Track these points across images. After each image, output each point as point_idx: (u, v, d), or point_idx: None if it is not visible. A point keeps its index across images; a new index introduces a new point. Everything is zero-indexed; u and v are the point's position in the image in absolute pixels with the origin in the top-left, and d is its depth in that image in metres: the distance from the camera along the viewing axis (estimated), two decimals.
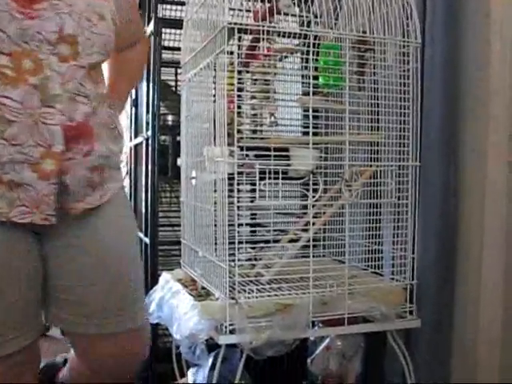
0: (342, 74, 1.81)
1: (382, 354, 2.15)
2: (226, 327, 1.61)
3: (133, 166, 3.15)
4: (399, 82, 1.82)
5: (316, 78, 1.81)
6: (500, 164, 1.94)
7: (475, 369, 1.99)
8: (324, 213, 1.84)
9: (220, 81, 1.66)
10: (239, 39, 1.88)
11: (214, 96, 1.74)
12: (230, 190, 1.64)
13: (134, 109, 3.08)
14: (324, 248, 2.02)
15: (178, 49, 2.77)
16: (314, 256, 1.75)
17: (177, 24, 2.50)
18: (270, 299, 1.67)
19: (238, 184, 1.68)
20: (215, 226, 1.70)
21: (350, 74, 1.78)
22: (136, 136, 3.02)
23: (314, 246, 1.89)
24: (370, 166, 1.86)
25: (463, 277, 2.05)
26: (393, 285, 1.83)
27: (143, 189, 2.60)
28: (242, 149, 1.72)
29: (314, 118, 1.87)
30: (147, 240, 2.52)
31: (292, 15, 1.70)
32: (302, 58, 2.03)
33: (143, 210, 2.62)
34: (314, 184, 1.73)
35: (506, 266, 1.94)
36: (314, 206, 1.77)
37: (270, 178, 1.66)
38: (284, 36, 1.74)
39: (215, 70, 1.71)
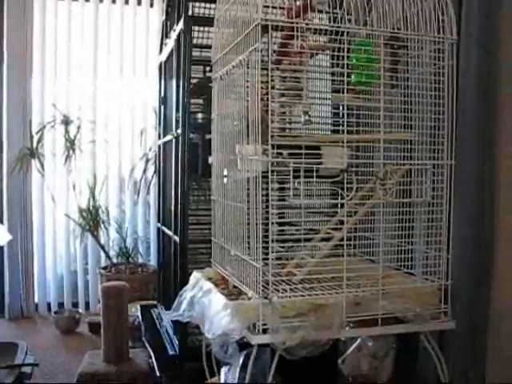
0: (374, 72, 1.78)
1: (414, 355, 2.12)
2: (258, 327, 1.59)
3: (161, 164, 3.15)
4: (434, 80, 1.79)
5: (347, 75, 1.79)
6: None
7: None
8: (356, 212, 1.82)
9: (253, 78, 1.64)
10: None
11: (247, 94, 1.73)
12: (263, 189, 1.63)
13: (163, 107, 3.08)
14: (355, 247, 1.99)
15: (207, 46, 2.77)
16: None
17: (206, 22, 2.50)
18: (303, 299, 1.65)
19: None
20: (248, 224, 1.69)
21: (383, 72, 1.75)
22: (165, 134, 3.02)
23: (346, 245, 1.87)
24: (403, 164, 1.82)
25: (500, 278, 2.01)
26: (427, 285, 1.79)
27: (172, 187, 2.60)
28: (273, 147, 1.70)
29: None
30: (177, 239, 2.51)
31: (326, 12, 1.68)
32: (332, 56, 2.00)
33: (172, 209, 2.62)
34: (347, 183, 1.71)
35: None
36: (346, 204, 1.75)
37: (300, 177, 1.65)
38: (316, 33, 1.73)
39: (248, 67, 1.70)
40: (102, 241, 4.15)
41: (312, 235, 1.89)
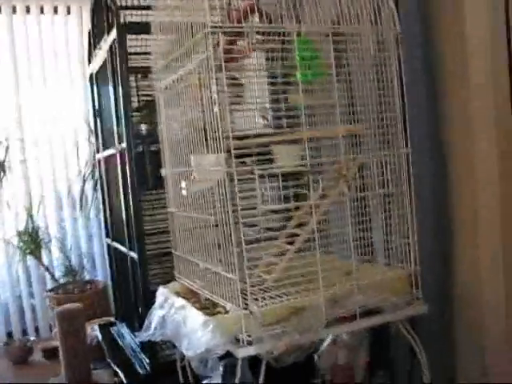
0: (318, 68, 1.78)
1: (387, 341, 2.15)
2: (243, 340, 1.56)
3: (104, 178, 3.03)
4: (380, 71, 1.80)
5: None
6: (487, 141, 1.95)
7: (481, 348, 2.01)
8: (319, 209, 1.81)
9: (207, 86, 1.61)
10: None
11: (200, 102, 1.69)
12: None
13: (98, 120, 2.97)
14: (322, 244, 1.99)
15: (139, 53, 2.69)
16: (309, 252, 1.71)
17: (140, 29, 2.43)
18: (283, 305, 1.63)
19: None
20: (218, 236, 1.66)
21: (328, 67, 1.76)
22: (105, 148, 2.92)
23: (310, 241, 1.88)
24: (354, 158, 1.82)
25: (461, 259, 2.06)
26: (398, 273, 1.82)
27: (122, 202, 2.51)
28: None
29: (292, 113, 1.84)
30: (134, 255, 2.43)
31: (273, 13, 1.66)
32: (271, 57, 1.97)
33: (124, 224, 2.53)
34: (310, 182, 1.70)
35: (503, 242, 1.96)
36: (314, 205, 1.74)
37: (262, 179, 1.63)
38: (264, 34, 1.70)
39: (199, 74, 1.66)
40: (45, 262, 3.98)
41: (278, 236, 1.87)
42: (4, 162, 3.81)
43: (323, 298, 1.67)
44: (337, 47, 1.77)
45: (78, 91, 4.18)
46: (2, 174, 3.81)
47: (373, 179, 1.82)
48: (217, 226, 1.65)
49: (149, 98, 2.80)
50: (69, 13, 4.18)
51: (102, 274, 4.27)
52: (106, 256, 3.66)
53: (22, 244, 3.84)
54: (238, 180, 1.57)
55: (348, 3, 1.76)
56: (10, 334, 4.07)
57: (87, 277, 4.15)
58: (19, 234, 3.85)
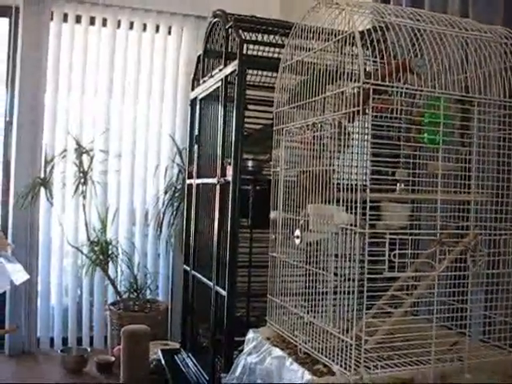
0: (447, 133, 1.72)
1: None
2: None
3: (191, 204, 3.00)
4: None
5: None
6: None
7: None
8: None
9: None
10: None
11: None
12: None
13: (196, 146, 2.96)
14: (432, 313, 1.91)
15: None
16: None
17: (259, 64, 2.44)
18: (392, 374, 1.56)
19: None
20: (335, 293, 1.61)
21: (457, 130, 1.72)
22: (199, 175, 2.90)
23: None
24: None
25: None
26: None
27: (215, 237, 2.46)
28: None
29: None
30: (222, 292, 2.38)
31: (423, 75, 1.61)
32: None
33: (214, 259, 2.49)
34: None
35: None
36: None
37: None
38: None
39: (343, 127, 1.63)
40: (111, 274, 3.98)
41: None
42: (87, 171, 3.84)
43: (432, 372, 1.59)
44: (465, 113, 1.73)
45: (169, 111, 4.23)
46: (83, 182, 3.84)
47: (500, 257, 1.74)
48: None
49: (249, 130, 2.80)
50: (169, 33, 4.24)
51: (162, 294, 4.25)
52: (176, 281, 3.66)
53: (92, 254, 3.85)
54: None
55: (478, 70, 1.71)
56: (64, 340, 4.07)
57: (148, 295, 4.12)
58: (91, 243, 3.87)
